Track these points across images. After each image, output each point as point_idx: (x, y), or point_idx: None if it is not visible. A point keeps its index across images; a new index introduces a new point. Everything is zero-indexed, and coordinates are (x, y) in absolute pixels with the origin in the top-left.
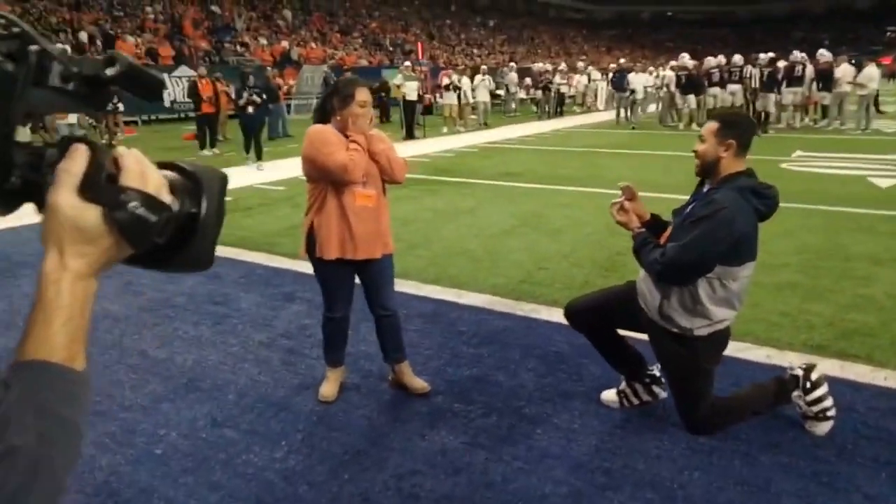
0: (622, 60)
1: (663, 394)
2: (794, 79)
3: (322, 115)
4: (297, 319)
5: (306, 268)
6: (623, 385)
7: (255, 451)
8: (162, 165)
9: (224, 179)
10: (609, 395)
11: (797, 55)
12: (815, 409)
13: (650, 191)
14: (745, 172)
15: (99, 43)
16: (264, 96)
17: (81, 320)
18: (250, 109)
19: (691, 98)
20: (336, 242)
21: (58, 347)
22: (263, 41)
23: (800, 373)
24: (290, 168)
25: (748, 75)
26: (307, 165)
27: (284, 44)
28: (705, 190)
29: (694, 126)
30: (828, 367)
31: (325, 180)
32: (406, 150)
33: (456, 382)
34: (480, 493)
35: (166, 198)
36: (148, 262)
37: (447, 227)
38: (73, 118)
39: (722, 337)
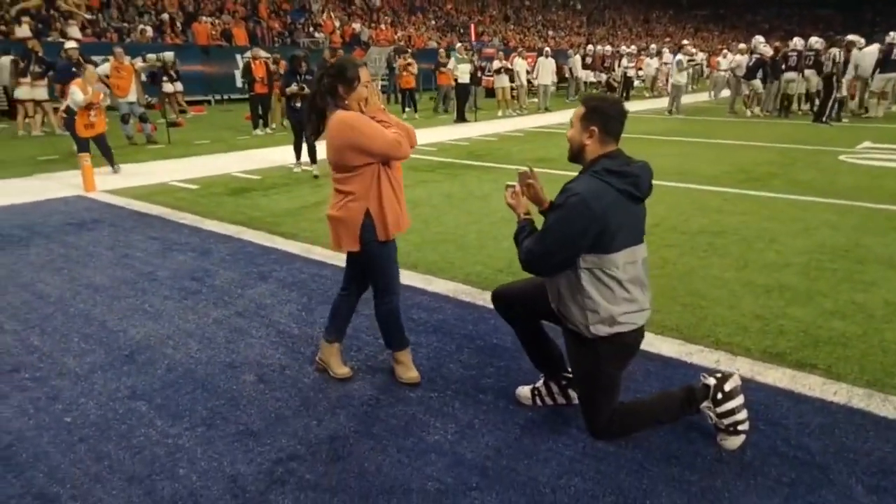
0: (685, 42)
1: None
2: (889, 63)
3: (320, 106)
4: (259, 299)
5: (293, 248)
6: (540, 383)
7: (157, 425)
8: None
9: None
10: (523, 392)
11: (894, 36)
12: (726, 421)
13: (688, 181)
14: (607, 154)
15: (179, 24)
16: None
17: None
18: (299, 105)
19: (756, 83)
20: (395, 220)
21: None
22: (336, 22)
23: (712, 382)
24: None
25: (831, 59)
26: (350, 154)
27: (356, 25)
28: None
29: (759, 112)
30: (778, 376)
31: (373, 163)
32: (452, 132)
33: (380, 370)
34: (347, 482)
35: None
36: None
37: (451, 213)
38: (132, 97)
39: (626, 340)
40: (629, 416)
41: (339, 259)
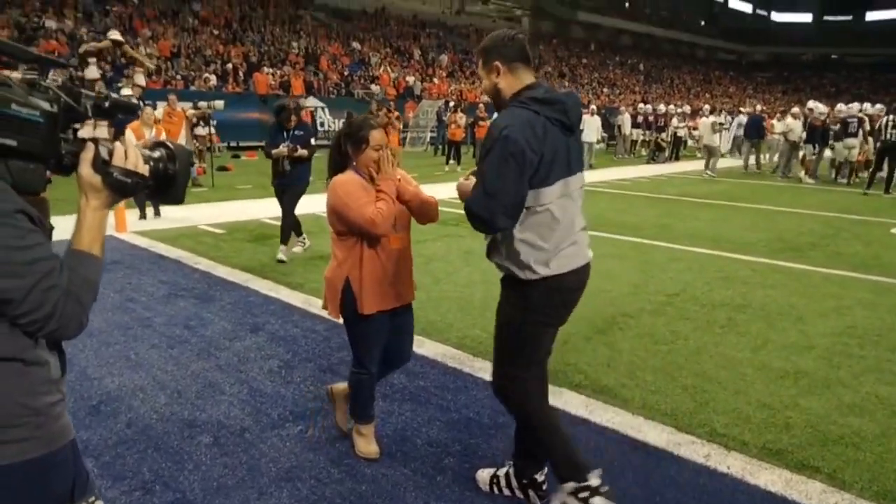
0: (759, 106)
1: (538, 502)
2: None
3: (338, 160)
4: (244, 352)
5: (295, 299)
6: (502, 471)
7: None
8: (158, 144)
9: (190, 154)
10: (482, 476)
11: None
12: None
13: (719, 248)
14: (528, 86)
15: (241, 74)
16: (313, 143)
17: (98, 232)
18: (287, 167)
19: (810, 148)
20: (376, 295)
21: (84, 243)
22: (393, 75)
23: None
24: None
25: (878, 127)
26: (333, 219)
27: (409, 78)
28: None
29: (808, 179)
30: (772, 479)
31: (356, 233)
32: None
33: (343, 439)
34: None
35: (141, 169)
36: (153, 197)
37: (464, 270)
38: (182, 140)
39: (566, 284)
40: (534, 413)
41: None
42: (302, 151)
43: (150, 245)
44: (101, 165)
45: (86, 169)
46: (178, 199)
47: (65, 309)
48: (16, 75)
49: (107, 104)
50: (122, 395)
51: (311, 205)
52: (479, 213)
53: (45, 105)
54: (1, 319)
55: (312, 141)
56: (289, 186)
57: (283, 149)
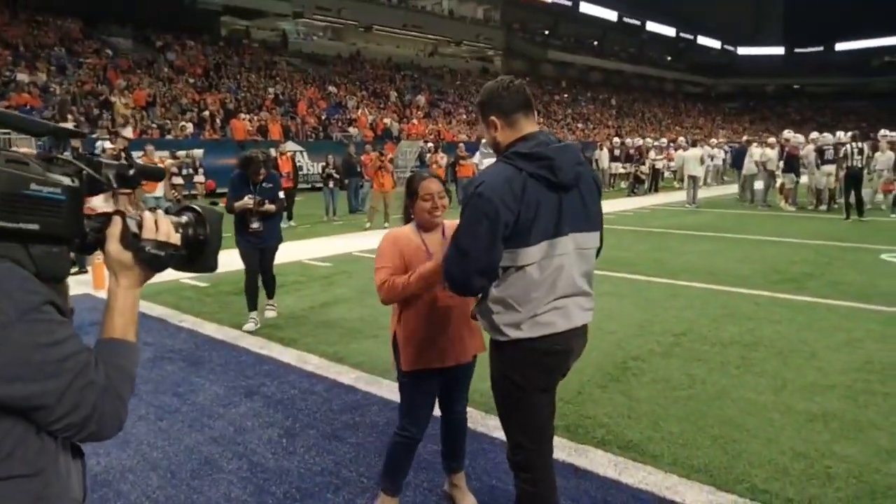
0: (746, 137)
1: None
2: None
3: (405, 212)
4: (240, 421)
5: (289, 356)
6: None
7: None
8: (184, 208)
9: (221, 216)
10: None
11: None
12: None
13: (718, 282)
14: (523, 137)
15: (219, 120)
16: (281, 196)
17: (131, 314)
18: (255, 225)
19: (792, 177)
20: (415, 353)
21: (117, 329)
22: (370, 117)
23: None
24: (346, 244)
25: (843, 154)
26: None
27: (387, 120)
28: None
29: (788, 206)
30: None
31: None
32: None
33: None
34: None
35: (173, 238)
36: (181, 268)
37: None
38: (160, 191)
39: (538, 348)
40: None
41: (335, 373)
42: (269, 206)
43: None
44: (132, 240)
45: (114, 245)
46: (210, 267)
47: (104, 407)
48: (25, 150)
49: (131, 172)
50: (109, 478)
51: (297, 252)
52: (453, 273)
53: (66, 180)
54: (26, 426)
55: (280, 194)
56: (263, 243)
57: (247, 201)
